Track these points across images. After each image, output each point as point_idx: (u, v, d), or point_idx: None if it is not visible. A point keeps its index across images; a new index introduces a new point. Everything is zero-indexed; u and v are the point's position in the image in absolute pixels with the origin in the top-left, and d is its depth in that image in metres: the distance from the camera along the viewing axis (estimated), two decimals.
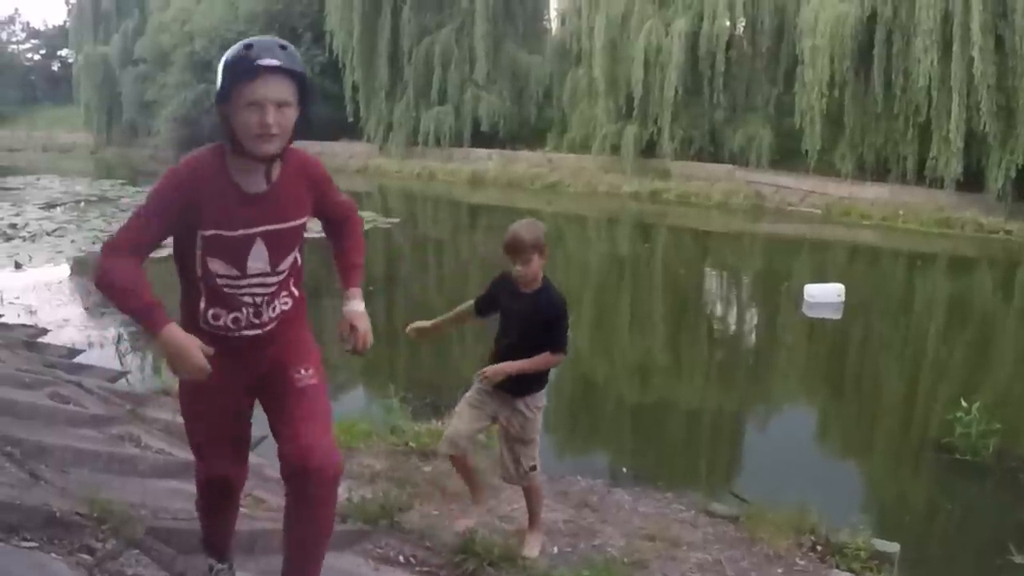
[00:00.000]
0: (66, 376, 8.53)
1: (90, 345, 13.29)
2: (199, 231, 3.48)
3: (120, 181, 43.85)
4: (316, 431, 3.55)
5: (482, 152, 49.76)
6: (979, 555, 8.27)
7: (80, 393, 7.72)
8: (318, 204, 3.81)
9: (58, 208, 32.36)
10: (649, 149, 42.96)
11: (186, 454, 6.53)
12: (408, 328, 5.92)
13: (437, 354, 14.42)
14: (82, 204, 33.65)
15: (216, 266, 3.54)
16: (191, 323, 3.60)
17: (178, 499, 5.08)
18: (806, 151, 37.58)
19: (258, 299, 3.63)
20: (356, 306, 3.90)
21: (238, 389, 3.75)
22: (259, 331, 3.67)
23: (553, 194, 41.94)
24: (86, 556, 3.70)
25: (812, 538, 6.34)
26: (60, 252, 22.79)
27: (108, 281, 3.43)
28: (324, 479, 3.50)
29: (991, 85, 30.58)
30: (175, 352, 3.38)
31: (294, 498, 3.58)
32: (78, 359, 11.36)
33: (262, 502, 5.53)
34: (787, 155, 39.46)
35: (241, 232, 3.51)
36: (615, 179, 42.93)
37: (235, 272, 3.56)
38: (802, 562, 6.05)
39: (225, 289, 3.57)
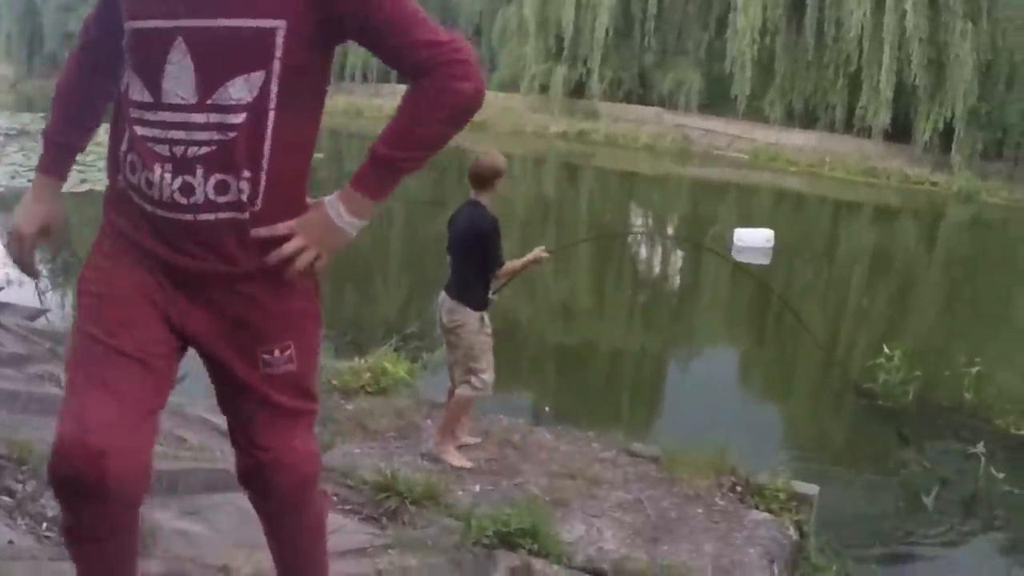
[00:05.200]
0: None
1: (9, 283, 13.02)
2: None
3: (41, 114, 42.80)
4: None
5: None
6: (896, 499, 8.43)
7: None
8: (330, 15, 2.30)
9: None
10: (578, 90, 43.00)
11: None
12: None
13: (358, 291, 14.37)
14: (1, 139, 32.92)
15: (133, 85, 2.36)
16: (112, 174, 2.47)
17: None
18: (735, 96, 37.83)
19: (178, 150, 2.30)
20: (316, 213, 2.38)
21: (157, 304, 2.40)
22: (186, 216, 2.33)
23: (480, 133, 41.69)
24: (6, 498, 3.64)
25: (732, 479, 6.39)
26: None
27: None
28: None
29: (923, 38, 30.95)
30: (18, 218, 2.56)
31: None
32: None
33: (183, 441, 5.48)
34: (716, 100, 39.66)
35: (155, 24, 2.29)
36: (543, 119, 42.91)
37: (148, 97, 2.32)
38: (721, 502, 6.11)
39: (136, 128, 2.34)
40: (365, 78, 50.07)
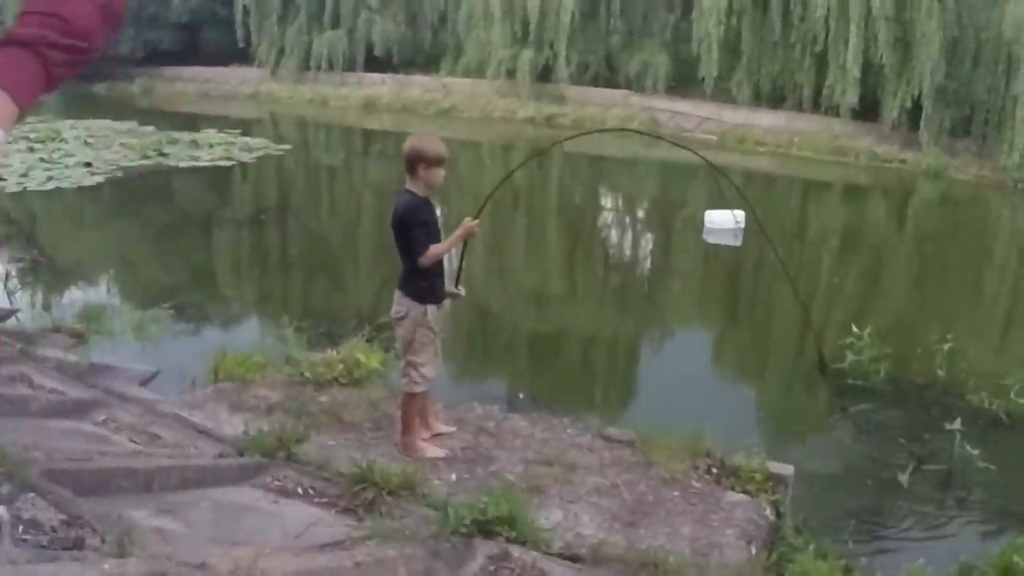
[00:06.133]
0: None
1: None
2: None
3: None
4: None
5: (376, 77, 48.98)
6: (869, 478, 8.46)
7: None
8: None
9: None
10: (545, 74, 42.82)
11: (78, 392, 6.44)
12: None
13: (329, 283, 14.33)
14: None
15: None
16: None
17: (73, 439, 4.99)
18: (702, 78, 37.72)
19: None
20: None
21: None
22: None
23: (447, 119, 41.61)
24: None
25: (708, 461, 6.41)
26: None
27: None
28: None
29: (889, 17, 30.97)
30: None
31: None
32: None
33: (157, 438, 5.45)
34: (683, 81, 39.62)
35: None
36: (510, 104, 42.72)
37: None
38: (698, 485, 6.13)
39: None
40: (331, 67, 49.77)
